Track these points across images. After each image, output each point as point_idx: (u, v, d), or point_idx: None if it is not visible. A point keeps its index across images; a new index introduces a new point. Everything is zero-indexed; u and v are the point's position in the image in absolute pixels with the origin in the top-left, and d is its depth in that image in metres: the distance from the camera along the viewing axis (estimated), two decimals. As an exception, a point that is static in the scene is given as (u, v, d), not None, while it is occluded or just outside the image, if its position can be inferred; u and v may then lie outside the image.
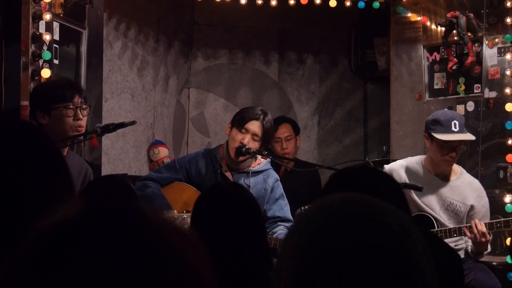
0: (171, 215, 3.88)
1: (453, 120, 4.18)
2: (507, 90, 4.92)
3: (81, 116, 3.49)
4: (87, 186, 3.33)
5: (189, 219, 3.84)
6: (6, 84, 4.01)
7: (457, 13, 5.10)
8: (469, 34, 5.11)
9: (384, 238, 1.00)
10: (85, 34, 4.54)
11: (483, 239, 4.08)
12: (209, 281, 0.82)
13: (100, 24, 4.84)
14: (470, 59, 5.11)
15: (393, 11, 5.78)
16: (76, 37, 4.51)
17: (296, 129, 5.91)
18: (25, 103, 3.76)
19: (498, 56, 5.05)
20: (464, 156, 4.92)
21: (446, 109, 4.58)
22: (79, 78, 4.52)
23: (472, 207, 4.27)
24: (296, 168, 5.27)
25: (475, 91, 5.19)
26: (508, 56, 4.95)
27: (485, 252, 4.22)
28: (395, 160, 4.75)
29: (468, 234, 4.10)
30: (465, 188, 4.31)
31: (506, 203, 4.79)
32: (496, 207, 4.69)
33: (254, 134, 4.18)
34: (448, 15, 5.16)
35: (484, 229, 4.07)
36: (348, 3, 5.69)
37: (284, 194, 4.34)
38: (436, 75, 5.52)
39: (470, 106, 5.20)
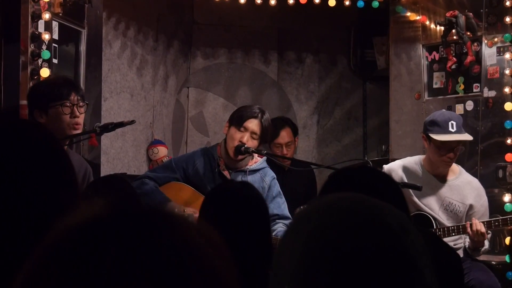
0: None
1: (450, 120, 4.17)
2: (506, 90, 4.92)
3: (78, 113, 3.49)
4: (89, 185, 3.33)
5: (190, 217, 3.86)
6: (6, 84, 4.01)
7: (456, 12, 5.10)
8: (468, 34, 5.11)
9: (383, 237, 1.00)
10: (84, 33, 4.54)
11: (482, 238, 4.09)
12: (233, 285, 0.82)
13: (99, 24, 4.84)
14: (469, 58, 5.11)
15: (392, 10, 5.78)
16: (75, 36, 4.51)
17: (295, 132, 5.86)
18: (24, 102, 3.77)
19: (497, 56, 5.05)
20: (463, 155, 4.92)
21: (443, 110, 4.58)
22: (78, 77, 4.52)
23: (471, 206, 4.27)
24: (294, 167, 5.27)
25: (474, 90, 5.20)
26: (507, 55, 4.95)
27: (482, 249, 4.21)
28: (394, 160, 4.75)
29: (470, 233, 4.11)
30: (464, 187, 4.31)
31: (505, 202, 4.80)
32: (496, 206, 4.69)
33: (253, 133, 4.18)
34: (447, 14, 5.16)
35: (482, 229, 4.08)
36: (347, 3, 5.69)
37: (281, 192, 4.34)
38: (435, 74, 5.52)
39: (469, 105, 5.20)
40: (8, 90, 4.01)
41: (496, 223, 4.15)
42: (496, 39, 5.06)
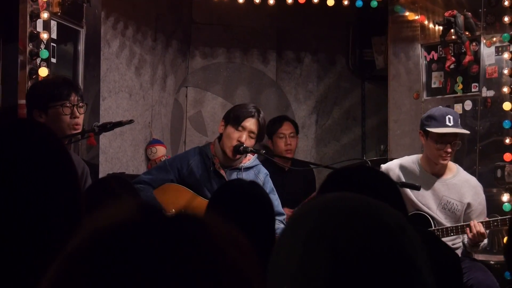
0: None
1: (448, 115, 4.19)
2: (505, 89, 4.92)
3: (78, 114, 3.49)
4: (91, 185, 3.33)
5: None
6: (4, 83, 4.01)
7: (455, 12, 5.10)
8: (467, 33, 5.11)
9: (381, 236, 1.00)
10: (82, 32, 4.54)
11: (482, 238, 4.11)
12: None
13: (97, 23, 4.84)
14: (467, 58, 5.12)
15: (391, 10, 5.78)
16: (73, 35, 4.51)
17: (297, 129, 5.96)
18: (23, 101, 3.76)
19: (495, 55, 5.06)
20: (462, 154, 4.93)
21: (440, 106, 4.60)
22: (77, 76, 4.51)
23: (469, 204, 4.28)
24: (293, 167, 5.29)
25: (473, 90, 5.20)
26: (505, 55, 4.96)
27: (481, 244, 4.21)
28: (392, 159, 4.75)
29: (469, 235, 4.11)
30: (462, 186, 4.31)
31: (504, 202, 4.80)
32: (494, 206, 4.69)
33: (250, 132, 4.19)
34: (446, 14, 5.16)
35: (482, 229, 4.09)
36: (346, 2, 5.69)
37: (274, 188, 4.35)
38: (434, 74, 5.52)
39: (468, 105, 5.21)
40: (6, 90, 4.00)
41: (495, 223, 4.15)
42: (494, 39, 5.06)
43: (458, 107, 5.22)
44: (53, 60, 4.21)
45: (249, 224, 2.48)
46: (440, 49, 5.43)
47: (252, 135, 4.19)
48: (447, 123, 4.17)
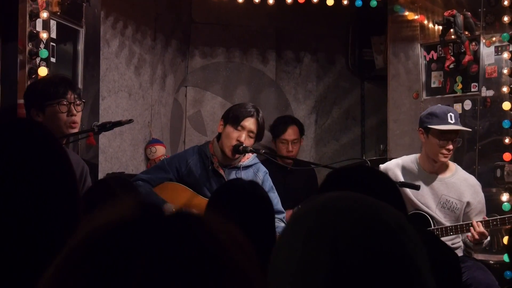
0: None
1: (449, 112, 4.20)
2: (504, 89, 4.92)
3: (75, 112, 3.49)
4: (92, 186, 3.33)
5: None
6: (3, 83, 4.00)
7: (454, 11, 5.10)
8: (466, 33, 5.11)
9: (381, 236, 1.00)
10: (82, 32, 4.54)
11: (484, 237, 4.11)
12: (259, 285, 0.82)
13: (97, 22, 4.84)
14: (467, 57, 5.12)
15: (391, 9, 5.78)
16: (73, 35, 4.50)
17: (302, 131, 5.94)
18: (22, 101, 3.76)
19: (495, 55, 5.06)
20: (461, 154, 4.93)
21: (439, 104, 4.60)
22: (76, 76, 4.51)
23: (468, 203, 4.28)
24: (295, 167, 5.29)
25: (472, 89, 5.20)
26: (505, 55, 4.96)
27: (485, 241, 4.22)
28: (392, 159, 4.75)
29: (474, 233, 4.11)
30: (461, 184, 4.32)
31: (503, 202, 4.80)
32: (493, 205, 4.69)
33: (250, 131, 4.19)
34: (445, 13, 5.16)
35: (482, 229, 4.09)
36: (345, 2, 5.69)
37: (274, 187, 4.35)
38: (433, 73, 5.52)
39: (467, 104, 5.21)
40: (6, 89, 4.00)
41: (494, 223, 4.15)
42: (494, 39, 5.06)
43: (457, 107, 5.22)
44: (53, 60, 4.21)
45: (249, 224, 2.48)
46: (440, 48, 5.43)
47: (251, 134, 4.19)
48: (449, 120, 4.17)
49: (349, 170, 2.15)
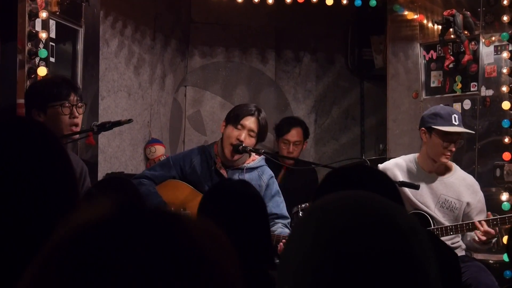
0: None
1: (453, 114, 4.20)
2: (504, 88, 4.92)
3: (77, 114, 3.49)
4: (93, 186, 3.33)
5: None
6: (3, 82, 4.00)
7: (454, 11, 5.10)
8: (466, 32, 5.11)
9: (392, 237, 1.00)
10: (81, 32, 4.54)
11: (490, 236, 4.10)
12: (238, 285, 0.82)
13: (96, 22, 4.84)
14: (466, 57, 5.12)
15: (390, 9, 5.78)
16: (72, 35, 4.50)
17: (306, 134, 5.91)
18: (22, 101, 3.76)
19: (494, 54, 5.06)
20: (461, 154, 4.93)
21: (441, 104, 4.59)
22: (76, 76, 4.51)
23: (468, 204, 4.28)
24: (295, 167, 5.30)
25: (472, 89, 5.20)
26: (504, 54, 4.96)
27: (493, 241, 4.22)
28: (391, 159, 4.75)
29: (481, 230, 4.10)
30: (459, 184, 4.32)
31: (503, 201, 4.80)
32: (493, 205, 4.69)
33: (250, 130, 4.18)
34: (445, 13, 5.16)
35: (486, 227, 4.08)
36: (344, 1, 5.69)
37: (280, 191, 4.33)
38: (433, 73, 5.52)
39: (467, 104, 5.21)
40: (5, 89, 4.00)
41: (494, 222, 4.15)
42: (493, 38, 5.06)
43: (457, 106, 5.22)
44: (52, 60, 4.21)
45: (241, 223, 2.48)
46: (439, 48, 5.43)
47: (251, 133, 4.18)
48: (453, 121, 4.17)
49: (348, 170, 2.15)
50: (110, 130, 3.75)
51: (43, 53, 3.99)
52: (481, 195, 4.35)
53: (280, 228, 4.13)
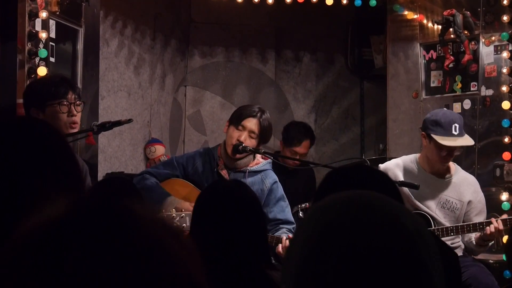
0: (167, 215, 3.88)
1: (454, 123, 4.14)
2: (504, 88, 4.92)
3: (75, 112, 3.49)
4: (94, 186, 3.33)
5: (187, 218, 3.86)
6: (3, 82, 4.00)
7: (454, 11, 5.10)
8: (466, 32, 5.11)
9: (397, 237, 1.00)
10: (81, 32, 4.54)
11: (498, 235, 4.09)
12: (200, 280, 0.82)
13: (96, 22, 4.84)
14: (466, 57, 5.12)
15: (390, 9, 5.78)
16: (72, 35, 4.50)
17: (312, 144, 5.81)
18: (21, 101, 3.76)
19: (494, 54, 5.06)
20: (461, 154, 4.92)
21: (445, 110, 4.57)
22: (76, 76, 4.51)
23: (469, 202, 4.27)
24: (295, 167, 5.30)
25: (472, 89, 5.20)
26: (504, 54, 4.95)
27: (490, 244, 4.22)
28: (391, 158, 4.74)
29: (488, 232, 4.10)
30: (461, 184, 4.31)
31: (503, 201, 4.80)
32: (493, 205, 4.69)
33: (251, 131, 4.16)
34: (445, 13, 5.16)
35: (501, 226, 4.07)
36: (344, 1, 5.69)
37: (285, 196, 4.30)
38: (433, 73, 5.52)
39: (467, 104, 5.20)
40: (5, 89, 4.00)
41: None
42: (493, 38, 5.06)
43: (457, 106, 5.22)
44: (52, 60, 4.21)
45: (235, 223, 2.48)
46: (439, 48, 5.43)
47: (252, 135, 4.16)
48: (453, 131, 4.13)
49: (348, 170, 2.15)
50: (110, 130, 3.75)
51: (43, 53, 3.99)
52: (481, 195, 4.35)
53: (284, 233, 4.10)
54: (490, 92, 5.07)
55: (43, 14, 4.02)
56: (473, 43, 5.15)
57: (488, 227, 4.09)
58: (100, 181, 3.76)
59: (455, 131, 4.14)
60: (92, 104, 4.70)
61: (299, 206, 5.09)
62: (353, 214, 1.03)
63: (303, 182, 5.61)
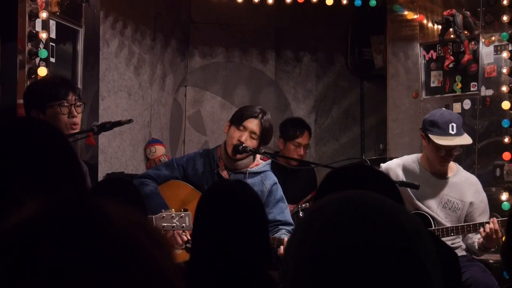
0: (167, 215, 3.88)
1: (451, 122, 4.14)
2: (504, 88, 4.92)
3: (75, 113, 3.49)
4: (94, 187, 3.33)
5: (187, 218, 3.86)
6: (3, 83, 4.00)
7: (454, 11, 5.10)
8: (466, 32, 5.11)
9: (395, 237, 1.00)
10: (81, 32, 4.54)
11: (494, 236, 4.07)
12: (177, 279, 0.82)
13: (96, 22, 4.84)
14: (466, 57, 5.12)
15: (390, 9, 5.79)
16: (72, 35, 4.51)
17: (310, 135, 5.90)
18: (22, 101, 3.76)
19: (494, 54, 5.06)
20: (461, 154, 4.91)
21: (444, 110, 4.57)
22: (76, 76, 4.51)
23: (471, 203, 4.27)
24: (295, 167, 5.30)
25: (472, 89, 5.20)
26: (504, 54, 4.96)
27: (492, 250, 4.22)
28: (392, 158, 4.74)
29: (483, 233, 4.09)
30: (462, 184, 4.31)
31: (503, 201, 4.80)
32: (493, 205, 4.69)
33: (252, 132, 4.16)
34: (445, 13, 5.17)
35: (496, 226, 4.07)
36: (344, 1, 5.69)
37: (284, 197, 4.31)
38: (433, 73, 5.52)
39: (467, 104, 5.21)
40: (5, 89, 4.00)
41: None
42: (493, 38, 5.06)
43: (457, 106, 5.23)
44: (52, 60, 4.22)
45: (236, 224, 2.48)
46: (439, 48, 5.43)
47: (253, 135, 4.16)
48: (450, 131, 4.13)
49: (348, 170, 2.15)
50: (110, 130, 3.75)
51: (43, 53, 4.00)
52: (484, 195, 4.34)
53: (284, 235, 4.11)
54: (490, 92, 5.07)
55: (44, 15, 4.02)
56: (473, 43, 5.15)
57: (482, 229, 4.09)
58: (100, 181, 3.77)
59: (452, 130, 4.14)
60: (92, 105, 4.70)
61: (299, 206, 5.09)
62: (351, 214, 1.03)
63: (303, 182, 5.62)
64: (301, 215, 4.98)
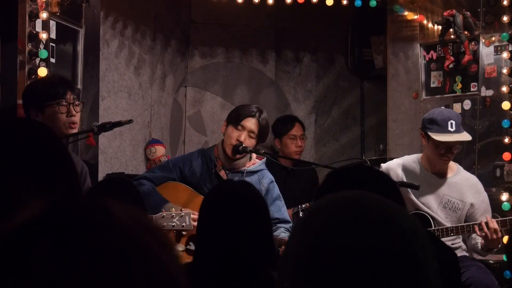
0: (167, 214, 3.88)
1: (450, 120, 4.15)
2: (504, 89, 4.92)
3: (74, 112, 3.50)
4: (94, 187, 3.33)
5: (187, 217, 3.86)
6: (3, 83, 4.01)
7: (454, 11, 5.10)
8: (466, 33, 5.11)
9: (393, 237, 1.00)
10: (81, 32, 4.54)
11: (494, 236, 4.07)
12: (180, 279, 0.82)
13: (96, 23, 4.84)
14: (466, 57, 5.12)
15: (390, 9, 5.79)
16: (72, 35, 4.51)
17: (304, 128, 5.98)
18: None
19: (494, 55, 5.06)
20: (461, 154, 4.92)
21: (443, 108, 4.58)
22: (76, 76, 4.52)
23: (472, 205, 4.27)
24: (295, 167, 5.30)
25: (472, 89, 5.20)
26: (504, 55, 4.96)
27: (495, 250, 4.21)
28: (392, 159, 4.75)
29: (478, 232, 4.09)
30: (462, 184, 4.31)
31: (503, 201, 4.80)
32: (493, 205, 4.68)
33: (250, 131, 4.17)
34: (445, 13, 5.17)
35: (495, 225, 4.06)
36: (345, 2, 5.69)
37: (280, 195, 4.32)
38: (433, 73, 5.52)
39: (467, 104, 5.21)
40: (5, 90, 4.01)
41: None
42: (493, 38, 5.06)
43: (457, 107, 5.23)
44: (52, 60, 4.22)
45: (241, 225, 2.48)
46: (439, 48, 5.43)
47: (252, 135, 4.17)
48: (449, 128, 4.14)
49: (348, 170, 2.15)
50: (111, 130, 3.76)
51: (43, 53, 4.00)
52: (485, 195, 4.34)
53: (283, 233, 4.11)
54: (490, 92, 5.07)
55: (44, 15, 4.02)
56: (473, 43, 5.15)
57: (479, 243, 4.10)
58: (100, 181, 3.76)
59: (451, 127, 4.15)
60: (92, 105, 4.70)
61: (299, 206, 5.09)
62: (349, 215, 1.03)
63: (304, 182, 5.62)
64: (301, 215, 4.98)
